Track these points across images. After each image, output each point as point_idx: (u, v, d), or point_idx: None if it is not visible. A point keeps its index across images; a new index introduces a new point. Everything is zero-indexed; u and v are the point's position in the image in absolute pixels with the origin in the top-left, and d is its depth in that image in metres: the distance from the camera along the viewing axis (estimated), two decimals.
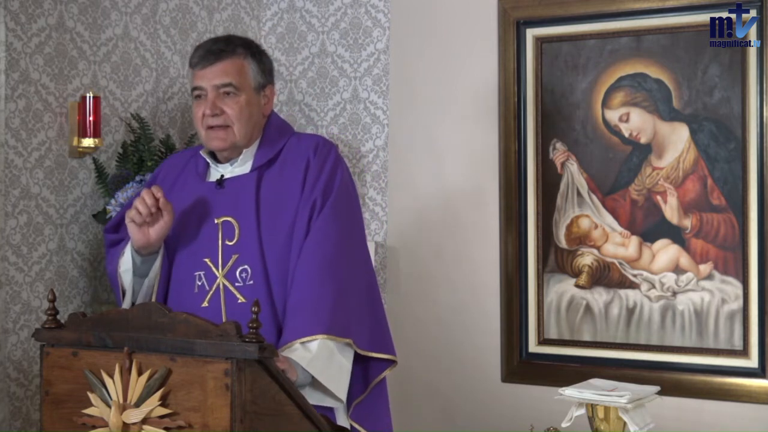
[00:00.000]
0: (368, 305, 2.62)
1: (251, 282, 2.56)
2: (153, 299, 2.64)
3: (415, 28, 4.05)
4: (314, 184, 2.61)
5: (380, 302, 2.70)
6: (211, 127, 2.63)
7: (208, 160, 2.72)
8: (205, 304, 2.58)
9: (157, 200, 2.54)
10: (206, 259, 2.61)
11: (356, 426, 2.59)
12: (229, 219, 2.62)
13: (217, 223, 2.63)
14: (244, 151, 2.67)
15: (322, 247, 2.55)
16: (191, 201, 2.68)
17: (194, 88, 2.65)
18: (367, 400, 2.63)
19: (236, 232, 2.61)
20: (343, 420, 2.58)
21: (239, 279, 2.58)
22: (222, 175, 2.69)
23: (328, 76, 4.23)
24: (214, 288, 2.59)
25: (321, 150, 2.67)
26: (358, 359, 2.57)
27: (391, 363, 2.64)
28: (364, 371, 2.63)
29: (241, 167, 2.68)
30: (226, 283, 2.58)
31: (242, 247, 2.59)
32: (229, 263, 2.59)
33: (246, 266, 2.58)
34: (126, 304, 2.67)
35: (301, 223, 2.58)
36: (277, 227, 2.59)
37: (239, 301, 2.55)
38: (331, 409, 2.52)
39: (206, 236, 2.63)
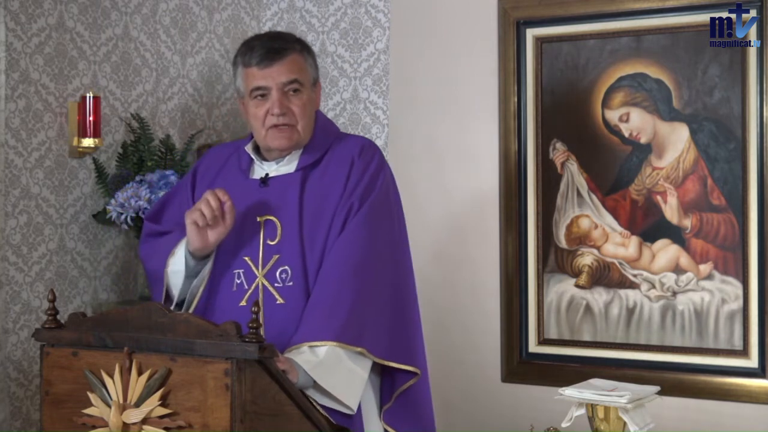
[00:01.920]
0: (393, 312, 2.56)
1: (291, 283, 2.52)
2: (197, 299, 2.60)
3: (415, 28, 4.05)
4: (355, 186, 2.57)
5: (411, 310, 2.64)
6: (276, 126, 2.58)
7: (254, 157, 2.67)
8: (243, 303, 2.54)
9: (221, 203, 2.50)
10: (246, 258, 2.58)
11: (387, 428, 2.57)
12: (271, 218, 2.58)
13: (260, 221, 2.59)
14: (293, 150, 2.64)
15: (349, 249, 2.51)
16: (233, 197, 2.62)
17: (256, 88, 2.58)
18: (397, 406, 2.59)
19: (278, 231, 2.57)
20: (376, 423, 2.57)
21: (279, 280, 2.54)
22: (267, 174, 2.65)
23: (328, 76, 4.23)
24: (252, 287, 2.56)
25: (366, 152, 2.63)
26: (388, 366, 2.54)
27: (415, 374, 2.57)
28: (390, 379, 2.59)
29: (286, 166, 2.64)
30: (266, 283, 2.55)
31: (284, 248, 2.55)
32: (270, 263, 2.55)
33: (286, 267, 2.54)
34: (173, 303, 2.62)
35: (337, 223, 2.54)
36: (318, 229, 2.55)
37: (278, 302, 2.51)
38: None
39: (248, 234, 2.59)
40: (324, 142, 2.67)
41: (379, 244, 2.56)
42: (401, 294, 2.61)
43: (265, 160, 2.67)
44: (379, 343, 2.49)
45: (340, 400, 2.42)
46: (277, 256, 2.55)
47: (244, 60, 2.61)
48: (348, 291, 2.47)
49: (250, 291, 2.56)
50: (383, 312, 2.53)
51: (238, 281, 2.57)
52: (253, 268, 2.57)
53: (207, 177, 2.74)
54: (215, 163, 2.77)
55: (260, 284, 2.55)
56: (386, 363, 2.52)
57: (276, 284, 2.54)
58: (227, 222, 2.52)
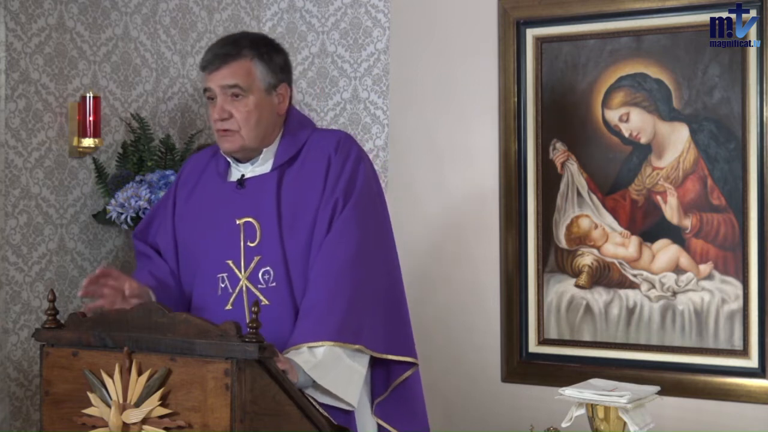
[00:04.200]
0: (387, 308, 2.58)
1: (274, 284, 2.54)
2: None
3: (415, 28, 4.05)
4: (336, 182, 2.57)
5: (403, 304, 2.66)
6: (219, 130, 2.61)
7: (229, 159, 2.69)
8: (229, 306, 2.56)
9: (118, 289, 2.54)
10: (229, 261, 2.59)
11: (382, 423, 2.58)
12: (250, 220, 2.59)
13: (239, 224, 2.60)
14: (264, 150, 2.64)
15: (340, 248, 2.51)
16: (213, 201, 2.66)
17: (205, 90, 2.64)
18: (391, 400, 2.61)
19: (258, 233, 2.58)
20: (368, 417, 2.57)
21: (262, 281, 2.55)
22: (243, 175, 2.66)
23: (328, 76, 4.23)
24: (237, 290, 2.57)
25: (342, 146, 2.63)
26: (380, 360, 2.56)
27: (412, 365, 2.61)
28: (386, 372, 2.61)
29: (261, 167, 2.65)
30: (249, 285, 2.56)
31: (264, 249, 2.56)
32: (252, 265, 2.56)
33: (268, 268, 2.55)
34: None
35: (322, 222, 2.54)
36: (298, 227, 2.56)
37: (263, 303, 2.51)
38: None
39: (228, 237, 2.60)
40: (298, 138, 2.67)
41: (368, 240, 2.58)
42: (392, 287, 2.64)
43: (240, 161, 2.68)
44: (376, 338, 2.51)
45: (340, 397, 2.43)
46: (258, 258, 2.56)
47: (200, 64, 2.68)
48: (343, 289, 2.48)
49: (234, 294, 2.57)
50: (378, 306, 2.56)
51: (223, 285, 2.59)
52: (236, 271, 2.58)
53: (187, 186, 2.77)
54: (195, 170, 2.80)
55: (244, 287, 2.56)
56: (385, 357, 2.53)
57: (259, 285, 2.55)
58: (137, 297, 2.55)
